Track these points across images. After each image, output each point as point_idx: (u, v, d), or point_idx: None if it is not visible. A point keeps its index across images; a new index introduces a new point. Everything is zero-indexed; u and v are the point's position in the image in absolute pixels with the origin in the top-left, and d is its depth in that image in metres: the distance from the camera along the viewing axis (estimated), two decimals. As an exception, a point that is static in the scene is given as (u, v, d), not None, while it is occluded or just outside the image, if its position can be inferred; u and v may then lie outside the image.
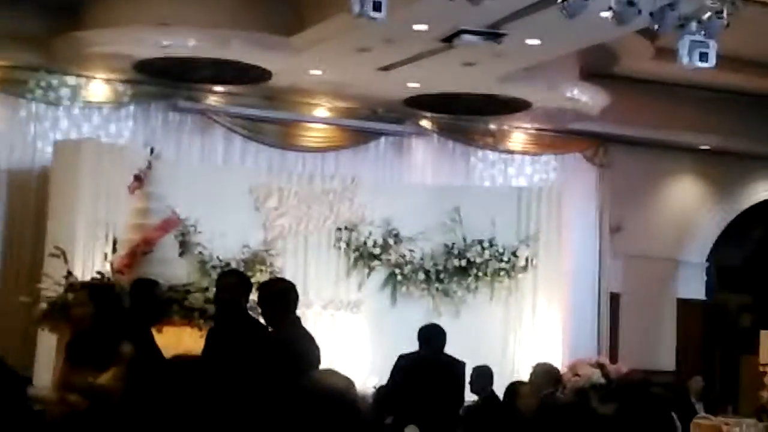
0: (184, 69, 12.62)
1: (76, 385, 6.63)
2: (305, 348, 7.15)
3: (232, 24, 11.75)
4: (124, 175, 12.64)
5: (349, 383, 2.92)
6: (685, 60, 9.60)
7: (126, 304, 8.15)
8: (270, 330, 7.46)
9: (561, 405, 2.54)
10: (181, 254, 12.99)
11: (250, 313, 7.84)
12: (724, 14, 9.12)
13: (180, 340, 10.07)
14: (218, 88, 13.88)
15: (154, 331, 8.08)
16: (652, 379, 12.07)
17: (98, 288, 8.32)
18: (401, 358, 9.83)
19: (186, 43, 11.79)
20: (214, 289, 8.19)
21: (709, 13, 9.14)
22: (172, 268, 12.05)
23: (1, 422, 5.00)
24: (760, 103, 15.98)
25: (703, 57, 9.74)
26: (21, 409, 5.62)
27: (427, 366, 9.63)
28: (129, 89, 13.68)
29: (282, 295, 7.54)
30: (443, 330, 10.49)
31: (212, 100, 14.08)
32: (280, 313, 7.41)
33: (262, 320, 7.83)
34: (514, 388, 8.55)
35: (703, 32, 9.30)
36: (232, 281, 8.03)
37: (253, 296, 8.47)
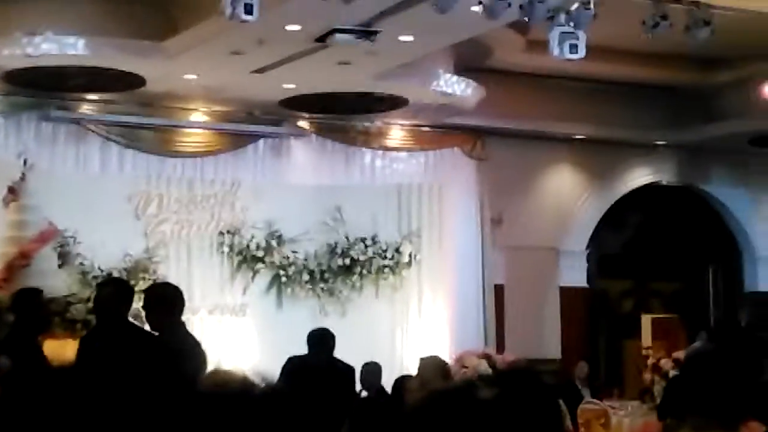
0: (55, 78, 12.41)
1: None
2: (192, 351, 7.12)
3: (103, 31, 11.60)
4: (-2, 188, 12.41)
5: (245, 379, 2.92)
6: (556, 51, 9.74)
7: (7, 318, 8.02)
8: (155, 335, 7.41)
9: (443, 393, 2.56)
10: (60, 266, 12.81)
11: (134, 321, 7.77)
12: (591, 5, 9.27)
13: (62, 353, 9.90)
14: (92, 96, 13.67)
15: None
16: (538, 367, 12.21)
17: None
18: (289, 361, 9.81)
19: (55, 52, 11.58)
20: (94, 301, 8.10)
21: (576, 5, 9.29)
22: (51, 280, 11.88)
23: None
24: (632, 92, 16.29)
25: (573, 48, 9.89)
26: None
27: (317, 371, 9.62)
28: (-1, 100, 13.43)
29: (167, 299, 7.50)
30: (332, 334, 10.52)
31: (86, 109, 13.86)
32: (166, 318, 7.36)
33: (147, 327, 7.77)
34: (402, 382, 8.60)
35: (572, 23, 9.45)
36: (110, 291, 7.95)
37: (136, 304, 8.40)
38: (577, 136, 16.61)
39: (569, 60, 10.05)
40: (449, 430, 2.48)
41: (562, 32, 9.80)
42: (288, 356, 9.92)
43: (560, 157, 16.89)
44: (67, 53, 11.64)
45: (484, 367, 12.18)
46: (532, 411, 3.19)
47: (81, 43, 11.50)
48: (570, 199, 16.94)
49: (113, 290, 8.01)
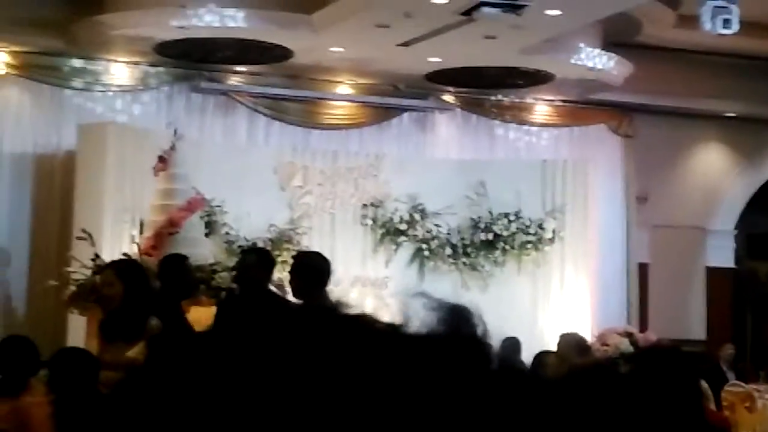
0: (205, 50, 12.65)
1: (110, 361, 6.68)
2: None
3: (253, 3, 11.76)
4: (148, 157, 12.67)
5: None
6: (708, 26, 9.56)
7: (155, 284, 8.20)
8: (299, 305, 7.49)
9: (581, 368, 2.54)
10: (207, 234, 13.01)
11: (276, 290, 7.87)
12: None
13: (208, 319, 10.09)
14: (240, 68, 13.89)
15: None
16: (683, 348, 12.03)
17: (124, 266, 8.35)
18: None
19: (206, 24, 11.79)
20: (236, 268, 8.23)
21: (730, -22, 9.09)
22: (198, 249, 12.06)
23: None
24: (783, 68, 15.89)
25: (727, 23, 9.70)
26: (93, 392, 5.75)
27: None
28: (151, 72, 13.73)
29: (315, 268, 7.56)
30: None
31: (234, 81, 14.10)
32: (311, 287, 7.42)
33: (290, 296, 7.87)
34: (541, 358, 8.55)
35: (724, -3, 9.26)
36: (253, 258, 8.07)
37: (279, 274, 8.51)
38: (727, 114, 16.27)
39: (721, 35, 9.85)
40: (586, 405, 2.44)
41: (715, 6, 9.61)
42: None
43: (709, 135, 16.58)
44: (218, 25, 11.84)
45: (625, 345, 12.02)
46: (672, 390, 3.14)
47: (234, 15, 11.67)
48: (718, 177, 16.62)
49: (256, 258, 8.13)
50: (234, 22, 11.77)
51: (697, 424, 3.45)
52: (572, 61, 13.22)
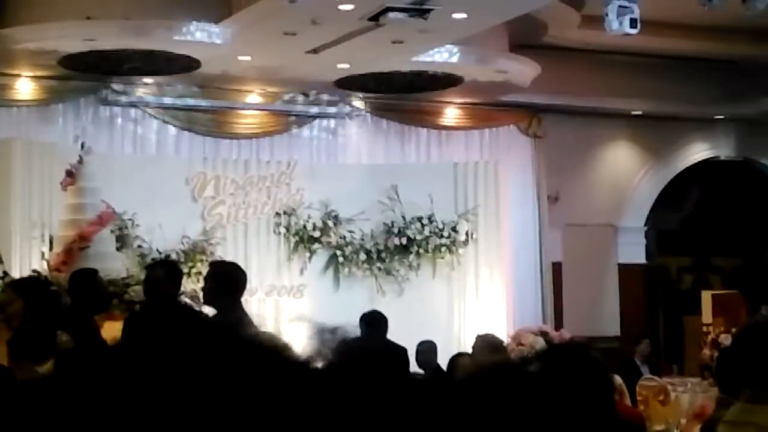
0: (111, 62, 12.50)
1: (19, 379, 6.58)
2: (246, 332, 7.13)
3: (158, 14, 11.67)
4: (56, 172, 12.53)
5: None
6: (615, 26, 9.66)
7: (65, 300, 8.11)
8: (213, 314, 7.45)
9: (489, 368, 2.55)
10: (119, 248, 12.90)
11: (188, 301, 7.83)
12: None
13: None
14: (148, 80, 13.77)
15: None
16: (597, 345, 12.17)
17: (23, 282, 8.25)
18: (344, 342, 9.83)
19: (112, 36, 11.69)
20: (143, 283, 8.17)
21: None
22: (110, 263, 11.95)
23: None
24: (689, 66, 16.14)
25: (633, 22, 9.82)
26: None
27: (368, 352, 9.64)
28: (57, 86, 13.54)
29: (229, 278, 7.54)
30: (384, 317, 10.55)
31: (143, 92, 13.97)
32: (226, 296, 7.40)
33: (205, 307, 7.83)
34: (456, 360, 8.59)
35: (628, -3, 9.38)
36: (160, 273, 8.02)
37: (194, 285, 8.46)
38: (634, 112, 16.49)
39: (627, 35, 9.97)
40: (493, 403, 2.46)
41: (620, 6, 9.73)
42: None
43: (617, 133, 16.79)
44: (123, 37, 11.73)
45: (540, 344, 12.12)
46: (580, 386, 3.17)
47: (136, 26, 11.58)
48: (628, 175, 16.84)
49: (163, 271, 8.09)
50: (140, 33, 11.67)
51: (607, 419, 3.48)
52: (480, 63, 13.32)
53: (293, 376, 1.21)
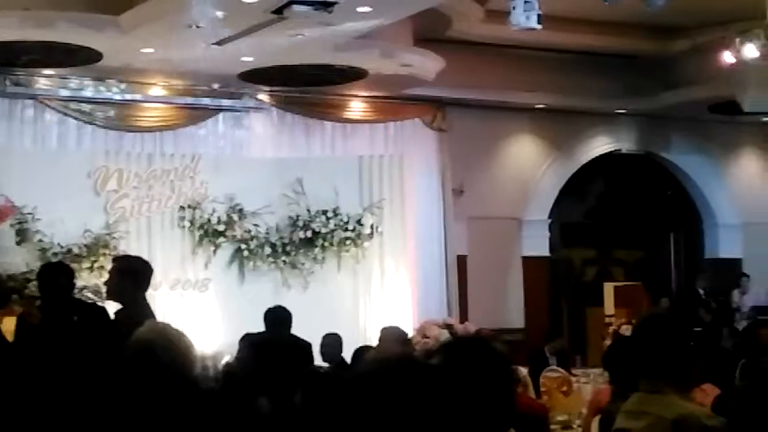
0: (10, 53, 12.28)
1: None
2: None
3: (58, 5, 11.49)
4: (-47, 166, 12.32)
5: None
6: (521, 20, 9.71)
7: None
8: (118, 309, 7.40)
9: (389, 361, 2.56)
10: (19, 242, 12.72)
11: (90, 296, 7.75)
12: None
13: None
14: (48, 72, 13.55)
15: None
16: (502, 337, 12.26)
17: None
18: (248, 335, 9.78)
19: (11, 27, 11.47)
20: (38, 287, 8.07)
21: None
22: (10, 257, 11.80)
23: None
24: (591, 61, 16.34)
25: (540, 18, 9.90)
26: None
27: (272, 347, 9.60)
28: (-46, 78, 13.28)
29: (133, 272, 7.49)
30: (288, 311, 10.52)
31: (43, 84, 13.72)
32: (130, 290, 7.35)
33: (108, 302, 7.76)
34: (360, 352, 8.59)
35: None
36: (52, 267, 7.95)
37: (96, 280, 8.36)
38: (538, 106, 16.64)
39: (531, 30, 10.04)
40: (393, 395, 2.46)
41: (525, 1, 9.79)
42: (245, 333, 9.88)
43: (521, 126, 16.93)
44: (23, 28, 11.53)
45: (445, 337, 12.17)
46: (481, 378, 3.18)
47: (35, 17, 11.38)
48: (531, 168, 16.99)
49: (55, 268, 8.04)
50: (40, 25, 11.47)
51: (508, 410, 3.50)
52: (384, 57, 13.33)
53: (188, 395, 1.21)
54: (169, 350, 2.77)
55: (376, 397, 2.49)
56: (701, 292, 17.11)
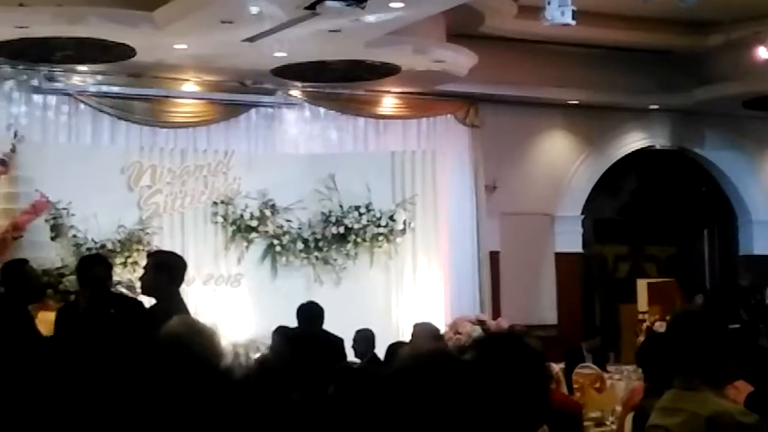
0: (45, 50, 12.35)
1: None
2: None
3: (91, 1, 11.53)
4: (-11, 161, 12.40)
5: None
6: (557, 16, 9.68)
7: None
8: (153, 304, 7.44)
9: (423, 356, 2.56)
10: (53, 238, 12.79)
11: (123, 290, 7.79)
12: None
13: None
14: (82, 68, 13.61)
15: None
16: (535, 333, 12.24)
17: None
18: (281, 329, 9.82)
19: (45, 24, 11.53)
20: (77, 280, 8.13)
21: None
22: (44, 252, 11.86)
23: None
24: (624, 56, 16.27)
25: (574, 13, 9.86)
26: None
27: (308, 341, 9.63)
28: (-12, 73, 13.35)
29: (169, 267, 7.54)
30: (320, 307, 10.55)
31: (77, 80, 13.80)
32: (164, 285, 7.39)
33: (140, 295, 7.80)
34: (394, 348, 8.59)
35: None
36: (92, 259, 8.00)
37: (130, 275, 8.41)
38: (571, 102, 16.58)
39: (564, 25, 10.00)
40: (427, 391, 2.46)
41: (560, -3, 9.76)
42: (278, 325, 9.91)
43: (554, 122, 16.88)
44: (56, 24, 11.58)
45: (478, 333, 12.16)
46: (514, 374, 3.18)
47: (69, 14, 11.43)
48: (564, 164, 16.93)
49: (93, 261, 8.08)
50: (74, 21, 11.52)
51: (541, 407, 3.49)
52: (417, 53, 13.32)
53: (216, 385, 1.22)
54: (198, 342, 2.78)
55: (411, 392, 2.50)
56: (743, 288, 17.02)
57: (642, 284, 16.00)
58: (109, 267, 8.02)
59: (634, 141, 17.50)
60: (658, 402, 4.32)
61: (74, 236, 13.10)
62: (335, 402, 4.28)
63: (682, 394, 4.15)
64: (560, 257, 16.77)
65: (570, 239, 16.91)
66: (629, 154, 17.45)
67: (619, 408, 9.44)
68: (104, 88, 13.88)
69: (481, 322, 12.89)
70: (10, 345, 6.39)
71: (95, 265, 7.96)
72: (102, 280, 7.60)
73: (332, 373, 4.72)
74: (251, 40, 12.24)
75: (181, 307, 7.28)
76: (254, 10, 10.96)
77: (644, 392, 6.01)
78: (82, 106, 13.83)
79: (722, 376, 4.21)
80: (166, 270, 7.49)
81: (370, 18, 11.22)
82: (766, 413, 4.02)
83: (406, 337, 10.81)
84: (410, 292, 14.67)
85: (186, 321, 3.79)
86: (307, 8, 10.93)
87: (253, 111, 14.72)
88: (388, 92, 15.22)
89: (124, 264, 13.09)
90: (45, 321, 8.97)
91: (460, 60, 13.92)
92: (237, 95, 14.51)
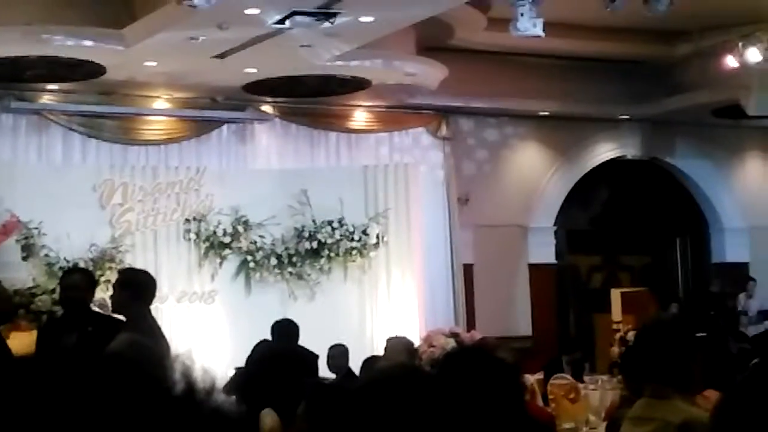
0: (14, 68, 12.29)
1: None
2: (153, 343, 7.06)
3: (60, 19, 11.51)
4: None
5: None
6: (528, 27, 9.71)
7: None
8: (121, 322, 7.40)
9: (388, 371, 2.56)
10: (25, 258, 12.74)
11: (97, 309, 7.75)
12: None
13: (28, 345, 9.86)
14: (52, 86, 13.57)
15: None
16: (510, 344, 12.25)
17: None
18: (256, 348, 9.81)
19: (13, 42, 11.49)
20: (59, 289, 8.10)
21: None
22: (16, 273, 11.81)
23: None
24: (594, 67, 16.34)
25: (543, 25, 9.91)
26: None
27: (282, 358, 9.61)
28: (-44, 94, 13.29)
29: (138, 285, 7.50)
30: (295, 323, 10.54)
31: (47, 99, 13.76)
32: (134, 304, 7.35)
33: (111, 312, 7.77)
34: (369, 363, 8.59)
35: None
36: (76, 278, 7.95)
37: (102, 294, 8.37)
38: (541, 113, 16.64)
39: (534, 37, 10.04)
40: (394, 407, 2.46)
41: (530, 8, 9.81)
42: (254, 345, 9.91)
43: (525, 134, 16.93)
44: (25, 43, 11.54)
45: (451, 346, 12.15)
46: (484, 386, 3.18)
47: (38, 32, 11.39)
48: (536, 176, 16.98)
49: (80, 277, 8.02)
50: (43, 40, 11.49)
51: (516, 418, 3.50)
52: (388, 66, 13.34)
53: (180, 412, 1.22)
54: (139, 360, 2.75)
55: (377, 408, 2.49)
56: (713, 295, 17.09)
57: (615, 294, 16.05)
58: (91, 281, 7.99)
59: (605, 151, 17.57)
60: (630, 411, 4.34)
61: (46, 255, 13.05)
62: (307, 419, 4.28)
63: (653, 403, 4.16)
64: (534, 268, 16.81)
65: (543, 250, 16.94)
66: (601, 164, 17.52)
67: (592, 418, 9.46)
68: (74, 107, 13.83)
69: (455, 335, 12.87)
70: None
71: (74, 274, 7.94)
72: (82, 291, 7.57)
73: (303, 389, 4.71)
74: (221, 56, 12.24)
75: (147, 325, 7.24)
76: (223, 26, 10.95)
77: (620, 401, 6.03)
78: (52, 124, 13.78)
79: (693, 384, 4.22)
80: (133, 287, 7.46)
81: (340, 32, 11.22)
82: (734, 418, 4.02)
83: (381, 351, 10.80)
84: (384, 306, 14.67)
85: (130, 339, 3.77)
86: (276, 23, 10.93)
87: (224, 127, 14.71)
88: (360, 106, 15.23)
89: (97, 282, 13.01)
90: (17, 342, 8.93)
91: (430, 73, 13.95)
92: (208, 111, 14.50)
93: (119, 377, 1.26)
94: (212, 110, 14.51)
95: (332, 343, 11.11)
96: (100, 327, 7.32)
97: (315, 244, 14.35)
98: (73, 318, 7.55)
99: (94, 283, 8.23)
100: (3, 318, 8.38)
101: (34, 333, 11.12)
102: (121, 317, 7.68)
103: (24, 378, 1.29)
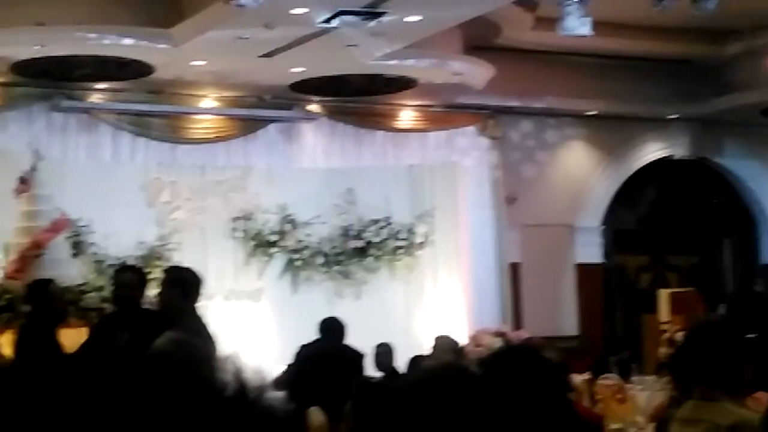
0: (64, 68, 12.40)
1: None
2: (204, 339, 7.10)
3: (110, 19, 11.60)
4: (9, 179, 12.45)
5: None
6: (576, 26, 9.67)
7: (22, 309, 8.11)
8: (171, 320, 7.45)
9: (436, 370, 2.56)
10: (74, 255, 12.85)
11: (148, 306, 7.81)
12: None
13: (77, 342, 9.95)
14: (101, 86, 13.67)
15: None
16: (556, 344, 12.20)
17: None
18: (303, 347, 9.83)
19: (63, 42, 11.59)
20: (111, 287, 8.18)
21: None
22: (65, 270, 11.92)
23: None
24: (642, 66, 16.24)
25: (591, 24, 9.86)
26: None
27: (328, 356, 9.63)
28: (8, 92, 13.39)
29: (185, 283, 7.53)
30: (341, 322, 10.56)
31: (96, 98, 13.84)
32: (181, 301, 7.39)
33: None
34: (415, 362, 8.59)
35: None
36: (128, 276, 8.02)
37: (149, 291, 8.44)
38: (589, 113, 16.56)
39: (582, 36, 9.99)
40: (439, 406, 2.46)
41: (578, 8, 9.76)
42: (301, 344, 9.94)
43: (573, 133, 16.86)
44: (75, 43, 11.65)
45: (498, 345, 12.14)
46: (530, 386, 3.17)
47: (87, 32, 11.49)
48: (584, 175, 16.90)
49: (131, 275, 8.08)
50: (91, 39, 11.58)
51: (562, 417, 3.49)
52: (435, 65, 13.33)
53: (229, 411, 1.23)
54: (184, 359, 2.78)
55: (424, 407, 2.49)
56: (760, 294, 16.94)
57: (663, 294, 15.95)
58: (142, 280, 8.05)
59: (653, 151, 17.45)
60: (678, 413, 4.31)
61: (95, 253, 13.16)
62: (353, 417, 4.28)
63: (702, 405, 4.13)
64: (581, 268, 16.72)
65: (590, 250, 16.86)
66: (648, 164, 17.41)
67: (640, 419, 9.42)
68: (123, 106, 13.91)
69: (501, 335, 12.87)
70: (35, 366, 6.41)
71: (126, 272, 8.01)
72: (133, 289, 7.63)
73: (350, 388, 4.72)
74: (268, 55, 12.28)
75: (194, 323, 7.27)
76: (270, 25, 10.99)
77: (669, 401, 5.99)
78: (101, 123, 13.88)
79: (741, 386, 4.19)
80: (180, 285, 7.49)
81: (387, 31, 11.22)
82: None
83: (428, 350, 10.81)
84: (431, 305, 14.67)
85: (174, 338, 3.79)
86: (323, 23, 10.96)
87: (271, 126, 14.74)
88: (406, 105, 15.22)
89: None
90: (66, 339, 9.01)
91: (477, 72, 13.92)
92: (255, 110, 14.53)
93: (174, 378, 1.27)
94: (259, 109, 14.54)
95: (378, 342, 11.13)
96: (152, 325, 7.37)
97: (361, 243, 14.38)
98: (125, 316, 7.62)
99: (145, 281, 8.30)
100: (60, 317, 8.47)
101: (83, 330, 11.27)
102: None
103: (80, 375, 1.31)
